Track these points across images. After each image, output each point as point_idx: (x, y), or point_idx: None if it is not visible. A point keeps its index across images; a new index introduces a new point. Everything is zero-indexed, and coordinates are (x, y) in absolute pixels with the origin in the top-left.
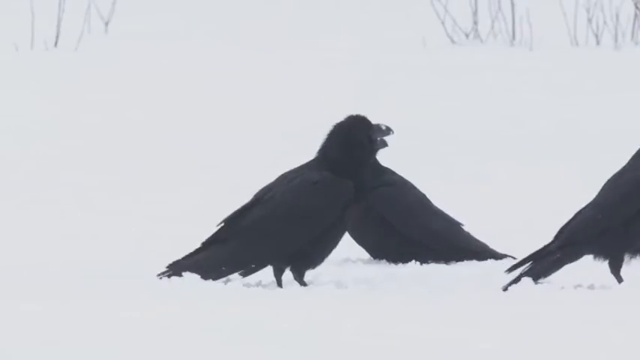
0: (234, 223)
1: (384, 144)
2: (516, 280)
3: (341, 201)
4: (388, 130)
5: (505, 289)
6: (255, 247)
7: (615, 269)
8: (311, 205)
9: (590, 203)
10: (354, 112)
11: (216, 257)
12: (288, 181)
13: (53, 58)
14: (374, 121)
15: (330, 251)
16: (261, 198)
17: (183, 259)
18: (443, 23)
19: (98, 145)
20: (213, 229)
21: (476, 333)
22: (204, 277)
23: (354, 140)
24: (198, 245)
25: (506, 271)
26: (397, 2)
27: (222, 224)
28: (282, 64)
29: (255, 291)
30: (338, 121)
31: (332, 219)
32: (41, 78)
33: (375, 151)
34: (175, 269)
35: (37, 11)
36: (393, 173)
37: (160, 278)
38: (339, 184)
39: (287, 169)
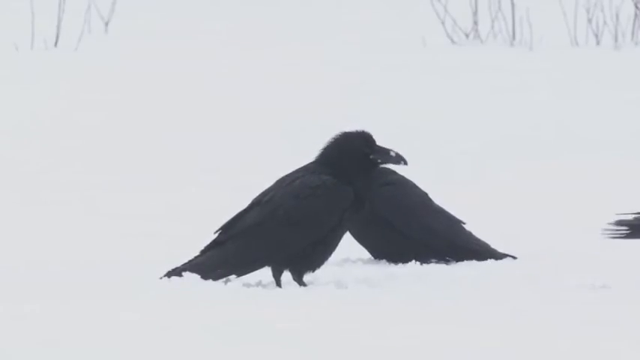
0: (232, 225)
1: (384, 163)
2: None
3: (340, 206)
4: (398, 160)
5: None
6: (253, 250)
7: None
8: (309, 209)
9: None
10: (362, 128)
11: (214, 260)
12: (287, 184)
13: (53, 58)
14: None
15: (329, 254)
16: (260, 201)
17: (182, 266)
18: (443, 23)
19: (98, 145)
20: (211, 234)
21: (476, 333)
22: (203, 278)
23: (350, 155)
24: (197, 252)
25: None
26: (397, 2)
27: (220, 230)
28: (282, 64)
29: (255, 291)
30: (342, 130)
31: (330, 223)
32: (41, 78)
33: (371, 169)
34: (174, 275)
35: (37, 11)
36: (394, 173)
37: (160, 278)
38: (339, 189)
39: (287, 169)
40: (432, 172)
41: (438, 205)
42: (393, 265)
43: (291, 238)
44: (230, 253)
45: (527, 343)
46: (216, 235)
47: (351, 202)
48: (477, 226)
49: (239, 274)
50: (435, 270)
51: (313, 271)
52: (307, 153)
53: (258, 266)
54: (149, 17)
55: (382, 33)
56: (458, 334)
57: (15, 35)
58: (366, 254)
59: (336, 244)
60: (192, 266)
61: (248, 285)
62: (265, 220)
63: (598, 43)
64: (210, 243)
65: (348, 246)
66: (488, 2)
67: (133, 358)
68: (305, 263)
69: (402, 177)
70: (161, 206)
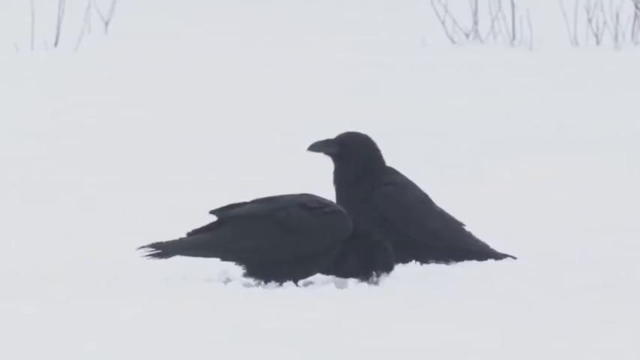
0: (228, 209)
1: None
2: None
3: (338, 233)
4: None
5: None
6: (242, 238)
7: None
8: (311, 222)
9: None
10: None
11: (202, 240)
12: (297, 195)
13: (53, 58)
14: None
15: (310, 274)
16: (263, 200)
17: (167, 242)
18: (443, 23)
19: (98, 145)
20: (207, 221)
21: (476, 333)
22: (186, 255)
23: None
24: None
25: None
26: (397, 2)
27: (214, 212)
28: (282, 64)
29: (255, 291)
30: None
31: (323, 244)
32: (41, 78)
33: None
34: (158, 248)
35: (37, 11)
36: (395, 173)
37: (145, 257)
38: (345, 217)
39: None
40: (432, 172)
41: (438, 206)
42: None
43: (281, 243)
44: (219, 235)
45: (527, 343)
46: (210, 216)
47: (348, 234)
48: (476, 227)
49: (223, 258)
50: (435, 270)
51: (282, 282)
52: (307, 153)
53: (243, 257)
54: (149, 17)
55: (382, 33)
56: (458, 334)
57: (15, 35)
58: None
59: (315, 271)
60: (179, 243)
61: (248, 285)
62: (264, 214)
63: (598, 43)
64: (201, 227)
65: None
66: (488, 2)
67: (133, 357)
68: (286, 272)
69: (403, 177)
70: (161, 206)
